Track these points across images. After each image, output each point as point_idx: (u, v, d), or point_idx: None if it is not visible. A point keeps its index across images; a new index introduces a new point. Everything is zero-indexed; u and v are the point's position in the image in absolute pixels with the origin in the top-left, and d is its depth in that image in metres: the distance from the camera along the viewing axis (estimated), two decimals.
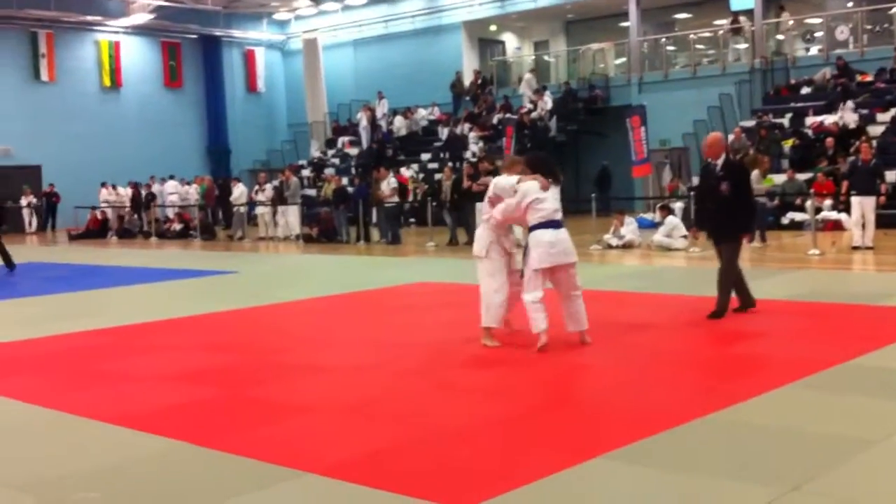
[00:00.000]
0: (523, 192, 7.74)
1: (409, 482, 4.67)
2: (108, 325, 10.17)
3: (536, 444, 5.22)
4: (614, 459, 4.87)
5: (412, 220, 26.26)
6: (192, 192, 30.45)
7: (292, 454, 5.13)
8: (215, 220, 29.22)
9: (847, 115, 22.16)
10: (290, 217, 23.57)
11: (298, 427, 5.76)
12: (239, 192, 25.46)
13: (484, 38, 34.85)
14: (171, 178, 32.12)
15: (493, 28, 34.92)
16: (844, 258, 14.52)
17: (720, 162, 9.09)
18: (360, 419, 5.91)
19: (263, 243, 23.30)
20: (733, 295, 9.24)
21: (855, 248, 15.06)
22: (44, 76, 33.37)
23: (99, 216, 29.27)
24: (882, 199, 15.41)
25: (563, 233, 7.80)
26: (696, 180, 23.53)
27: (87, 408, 6.37)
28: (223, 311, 11.09)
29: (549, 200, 7.73)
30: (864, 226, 15.20)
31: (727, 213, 8.94)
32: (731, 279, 9.11)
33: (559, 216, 7.79)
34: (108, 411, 6.25)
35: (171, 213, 28.65)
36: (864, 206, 15.09)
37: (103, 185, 31.54)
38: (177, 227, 26.98)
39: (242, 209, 25.08)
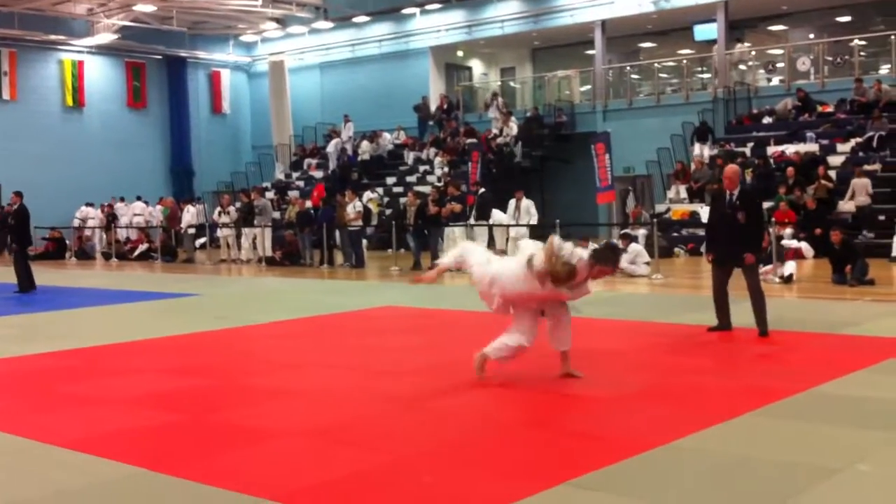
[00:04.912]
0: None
1: None
2: (69, 347, 10.02)
3: (502, 471, 5.21)
4: (577, 487, 4.87)
5: (389, 250, 26.04)
6: (157, 214, 30.29)
7: (255, 481, 5.07)
8: (178, 242, 29.02)
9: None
10: (260, 238, 23.35)
11: (263, 453, 5.68)
12: (189, 215, 25.56)
13: (451, 64, 35.01)
14: (139, 198, 32.10)
15: (460, 54, 35.10)
16: (805, 287, 14.67)
17: (736, 192, 9.66)
18: (327, 444, 5.87)
19: (225, 266, 23.14)
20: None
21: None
22: (5, 95, 32.97)
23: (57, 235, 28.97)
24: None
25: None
26: (659, 206, 23.88)
27: (47, 432, 6.26)
28: (187, 333, 10.99)
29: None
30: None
31: (740, 239, 9.57)
32: (762, 301, 9.65)
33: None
34: (68, 436, 6.15)
35: (134, 234, 28.42)
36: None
37: (88, 204, 31.68)
38: (142, 247, 26.78)
39: (192, 230, 25.26)
